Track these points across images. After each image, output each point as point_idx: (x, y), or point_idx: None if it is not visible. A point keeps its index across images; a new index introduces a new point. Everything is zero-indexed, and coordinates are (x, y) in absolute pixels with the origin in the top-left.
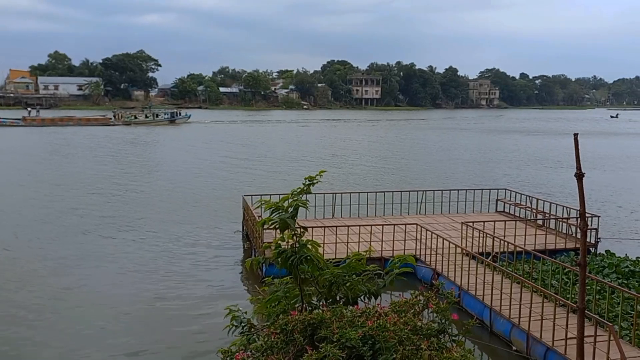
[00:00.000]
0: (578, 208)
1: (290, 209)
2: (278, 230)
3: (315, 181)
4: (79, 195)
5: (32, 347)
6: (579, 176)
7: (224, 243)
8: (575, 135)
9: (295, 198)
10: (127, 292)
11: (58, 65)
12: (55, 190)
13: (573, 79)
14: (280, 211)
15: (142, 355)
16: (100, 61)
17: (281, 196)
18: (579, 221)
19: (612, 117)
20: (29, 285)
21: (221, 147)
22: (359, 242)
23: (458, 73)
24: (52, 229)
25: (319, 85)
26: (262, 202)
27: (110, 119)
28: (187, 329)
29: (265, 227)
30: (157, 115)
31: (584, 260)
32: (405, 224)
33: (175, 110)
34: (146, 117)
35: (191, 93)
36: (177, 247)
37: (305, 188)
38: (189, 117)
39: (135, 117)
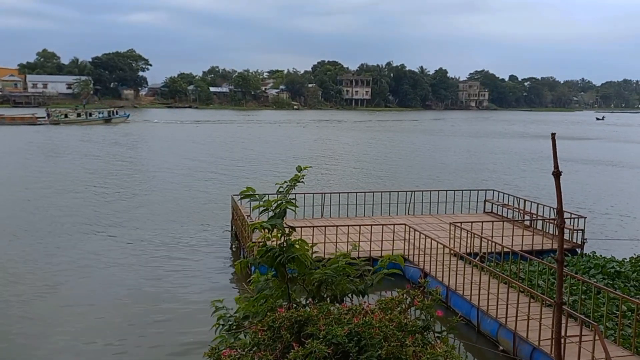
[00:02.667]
0: (566, 210)
1: (278, 211)
2: (266, 230)
3: (301, 176)
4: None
5: (16, 348)
6: (556, 175)
7: (213, 243)
8: (553, 135)
9: (283, 198)
10: (114, 292)
11: (47, 63)
12: None
13: (562, 82)
14: (269, 211)
15: (129, 356)
16: (90, 60)
17: (269, 197)
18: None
19: (597, 119)
20: (10, 289)
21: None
22: (347, 242)
23: (448, 75)
24: (40, 226)
25: (310, 85)
26: (247, 195)
27: (39, 118)
28: (176, 328)
29: (255, 231)
30: (90, 114)
31: (561, 256)
32: (394, 224)
33: (113, 109)
34: (78, 115)
35: (181, 92)
36: (164, 248)
37: (291, 184)
38: (128, 116)
39: (66, 116)
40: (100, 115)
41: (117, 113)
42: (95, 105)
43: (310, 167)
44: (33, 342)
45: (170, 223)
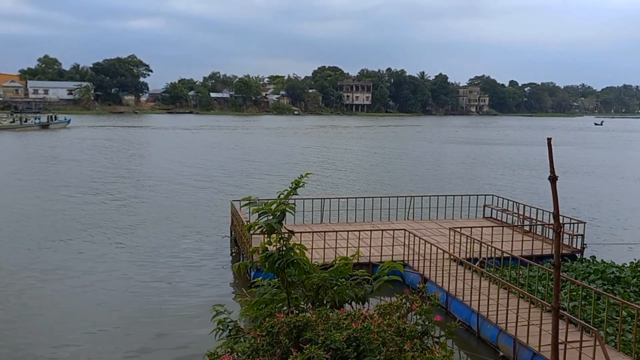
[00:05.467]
0: (565, 214)
1: (277, 213)
2: (266, 235)
3: (301, 183)
4: None
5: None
6: (553, 179)
7: (212, 248)
8: (549, 139)
9: (282, 202)
10: (113, 296)
11: (48, 69)
12: None
13: (562, 87)
14: (268, 215)
15: None
16: (91, 66)
17: (270, 201)
18: (566, 224)
19: (596, 124)
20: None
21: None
22: (347, 247)
23: (448, 80)
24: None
25: (310, 90)
26: (249, 202)
27: None
28: (174, 333)
29: (252, 231)
30: (25, 120)
31: (558, 260)
32: (394, 230)
33: (51, 114)
34: (13, 121)
35: (182, 98)
36: (162, 254)
37: (291, 190)
38: (69, 121)
39: None
40: (37, 121)
41: (56, 118)
42: (96, 111)
43: (311, 173)
44: (27, 348)
45: (169, 229)
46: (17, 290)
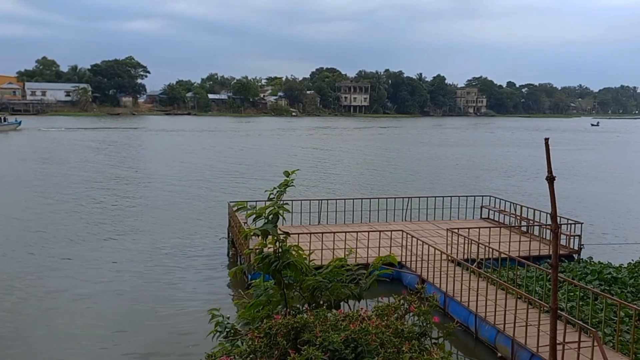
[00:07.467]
0: (562, 215)
1: (271, 216)
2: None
3: (290, 182)
4: None
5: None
6: (550, 180)
7: (210, 249)
8: (546, 140)
9: (275, 204)
10: (107, 299)
11: (46, 71)
12: None
13: (559, 88)
14: (262, 217)
15: None
16: (89, 67)
17: (267, 203)
18: (566, 224)
19: (592, 125)
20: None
21: None
22: (344, 248)
23: (446, 81)
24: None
25: (308, 92)
26: (244, 207)
27: None
28: (172, 335)
29: (249, 237)
30: None
31: (556, 261)
32: (391, 231)
33: (1, 115)
34: None
35: (180, 99)
36: (159, 255)
37: (282, 189)
38: (19, 123)
39: None
40: None
41: (6, 120)
42: (94, 113)
43: (298, 169)
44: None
45: (165, 230)
46: (9, 294)
